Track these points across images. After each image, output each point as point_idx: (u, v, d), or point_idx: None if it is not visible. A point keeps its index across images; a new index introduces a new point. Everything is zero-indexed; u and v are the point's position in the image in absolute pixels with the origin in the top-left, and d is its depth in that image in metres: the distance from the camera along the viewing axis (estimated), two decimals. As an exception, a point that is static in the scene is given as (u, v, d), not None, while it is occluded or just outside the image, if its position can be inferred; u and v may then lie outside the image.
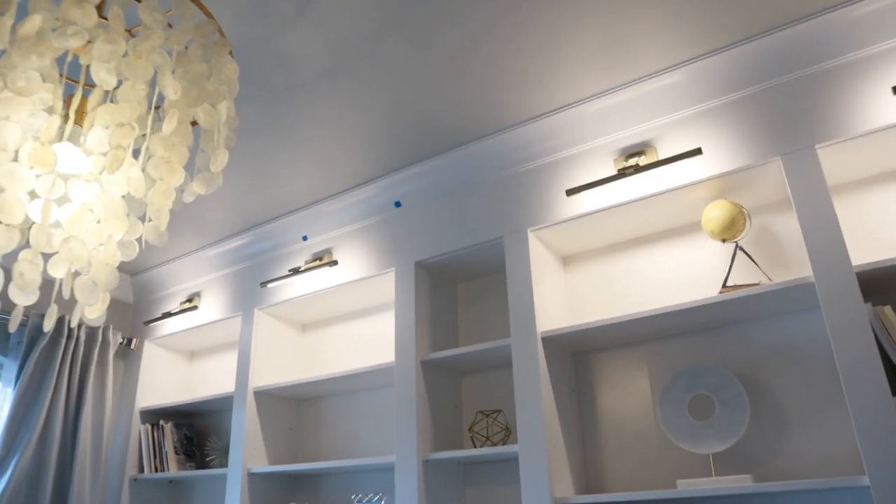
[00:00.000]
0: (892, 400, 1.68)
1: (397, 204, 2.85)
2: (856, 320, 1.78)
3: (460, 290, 2.95)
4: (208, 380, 3.81)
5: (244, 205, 3.11)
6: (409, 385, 2.54)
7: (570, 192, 2.31)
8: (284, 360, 3.30)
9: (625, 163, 2.33)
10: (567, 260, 2.68)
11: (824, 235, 1.89)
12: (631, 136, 2.37)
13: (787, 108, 2.08)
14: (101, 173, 1.28)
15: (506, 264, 2.46)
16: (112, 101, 1.39)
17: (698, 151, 2.12)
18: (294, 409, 3.29)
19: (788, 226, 2.25)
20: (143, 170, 1.40)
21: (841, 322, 1.80)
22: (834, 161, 2.06)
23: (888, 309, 1.80)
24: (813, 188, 1.95)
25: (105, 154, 1.28)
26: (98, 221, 1.30)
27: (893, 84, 1.93)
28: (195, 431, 3.61)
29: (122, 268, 3.83)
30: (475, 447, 2.50)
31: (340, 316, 3.34)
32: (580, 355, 2.52)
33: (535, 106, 2.43)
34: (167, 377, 3.81)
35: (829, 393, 2.03)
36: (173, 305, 3.72)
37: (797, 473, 2.01)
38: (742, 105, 2.18)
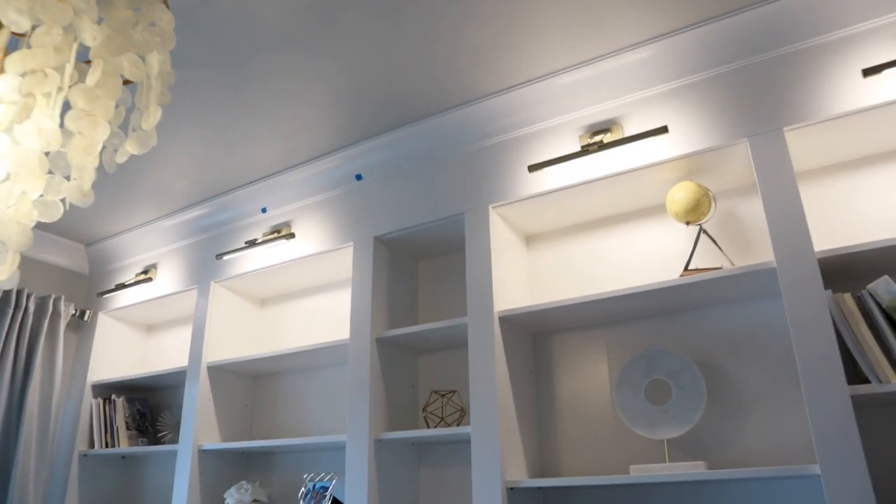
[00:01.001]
0: (848, 389, 1.65)
1: (358, 177, 2.76)
2: (816, 307, 1.74)
3: (421, 268, 2.88)
4: (166, 354, 3.70)
5: (203, 174, 2.99)
6: (363, 363, 2.47)
7: (532, 168, 2.24)
8: (241, 335, 3.20)
9: (590, 140, 2.27)
10: (530, 239, 2.62)
11: (788, 220, 1.84)
12: (598, 113, 2.29)
13: (756, 90, 2.03)
14: (11, 124, 1.18)
15: (465, 241, 2.39)
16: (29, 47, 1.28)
17: (664, 129, 2.05)
18: (250, 385, 3.20)
19: (753, 211, 2.20)
20: (62, 124, 1.30)
21: (801, 308, 1.76)
22: (801, 145, 2.01)
23: (848, 296, 1.76)
24: (779, 171, 1.90)
25: (15, 103, 1.18)
26: (8, 178, 1.20)
27: (863, 67, 1.88)
28: (149, 407, 3.51)
29: (77, 237, 3.69)
30: (429, 427, 2.44)
31: (299, 291, 3.25)
32: (539, 336, 2.47)
33: (501, 79, 2.35)
34: (122, 351, 3.69)
35: (786, 381, 1.99)
36: (129, 277, 3.60)
37: (750, 461, 1.98)
38: (711, 84, 2.12)
